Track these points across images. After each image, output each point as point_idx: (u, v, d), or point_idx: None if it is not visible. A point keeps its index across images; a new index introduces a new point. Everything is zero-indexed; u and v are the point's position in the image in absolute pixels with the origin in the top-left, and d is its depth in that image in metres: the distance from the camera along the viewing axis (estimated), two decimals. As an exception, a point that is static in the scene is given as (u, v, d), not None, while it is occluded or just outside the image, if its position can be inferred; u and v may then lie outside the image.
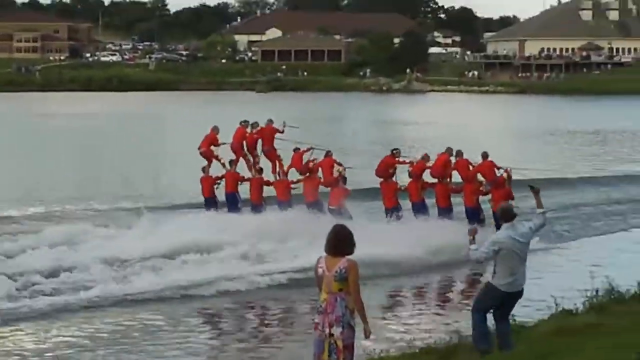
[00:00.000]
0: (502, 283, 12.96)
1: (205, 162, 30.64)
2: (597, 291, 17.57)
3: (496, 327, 13.30)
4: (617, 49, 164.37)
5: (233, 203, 29.59)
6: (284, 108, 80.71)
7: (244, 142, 30.92)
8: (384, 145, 42.32)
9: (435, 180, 29.10)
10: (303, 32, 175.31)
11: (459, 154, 29.04)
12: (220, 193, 30.16)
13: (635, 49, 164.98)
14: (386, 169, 29.26)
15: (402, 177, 29.70)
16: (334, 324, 10.78)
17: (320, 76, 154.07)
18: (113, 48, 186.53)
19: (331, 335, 10.78)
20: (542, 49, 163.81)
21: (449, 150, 29.26)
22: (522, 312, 16.96)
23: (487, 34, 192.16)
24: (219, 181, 30.22)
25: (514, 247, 12.98)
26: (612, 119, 78.36)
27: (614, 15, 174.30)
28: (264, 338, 19.52)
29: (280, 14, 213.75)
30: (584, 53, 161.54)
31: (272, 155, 30.83)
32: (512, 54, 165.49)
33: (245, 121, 31.33)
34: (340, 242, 10.94)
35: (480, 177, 28.78)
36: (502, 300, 13.11)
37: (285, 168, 30.14)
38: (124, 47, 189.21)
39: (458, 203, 29.08)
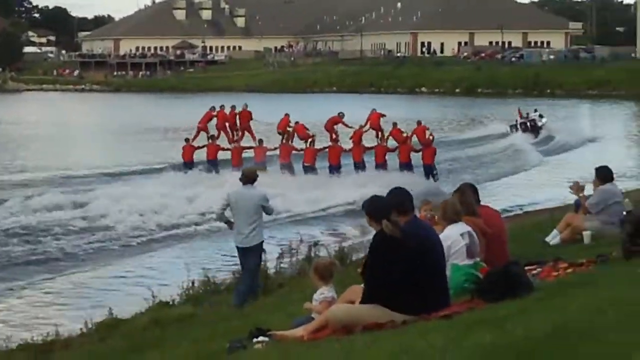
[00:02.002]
0: (235, 239, 14.94)
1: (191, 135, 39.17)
2: (193, 282, 17.88)
3: None
4: (211, 47, 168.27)
5: (214, 166, 37.09)
6: None
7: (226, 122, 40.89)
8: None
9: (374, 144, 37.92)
10: None
11: (394, 124, 38.60)
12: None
13: (228, 47, 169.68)
14: (331, 126, 39.35)
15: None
16: None
17: None
18: None
19: None
20: (138, 48, 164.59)
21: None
22: (120, 305, 16.93)
23: (82, 33, 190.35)
24: (199, 149, 37.85)
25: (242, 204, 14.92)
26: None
27: (207, 14, 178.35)
28: None
29: None
30: (179, 51, 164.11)
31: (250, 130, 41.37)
32: (107, 52, 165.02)
33: (222, 105, 41.61)
34: None
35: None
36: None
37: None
38: None
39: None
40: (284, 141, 38.36)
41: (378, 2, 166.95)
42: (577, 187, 15.71)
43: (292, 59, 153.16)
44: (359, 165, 36.83)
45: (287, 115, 40.27)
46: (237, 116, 41.36)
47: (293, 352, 8.82)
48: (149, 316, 15.72)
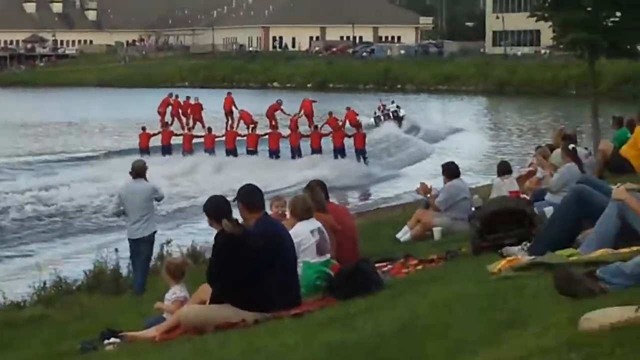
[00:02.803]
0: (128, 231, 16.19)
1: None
2: (45, 283, 17.53)
3: None
4: (62, 41, 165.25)
5: (167, 151, 41.54)
6: None
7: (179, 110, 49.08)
8: None
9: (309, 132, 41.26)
10: None
11: (330, 113, 42.34)
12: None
13: (79, 41, 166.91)
14: (272, 113, 44.66)
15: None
16: None
17: None
18: None
19: None
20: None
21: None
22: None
23: None
24: (154, 135, 41.84)
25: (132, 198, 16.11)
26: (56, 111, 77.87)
27: (57, 7, 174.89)
28: None
29: None
30: (29, 45, 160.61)
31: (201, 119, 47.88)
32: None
33: (177, 95, 50.42)
34: None
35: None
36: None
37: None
38: None
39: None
40: (229, 128, 44.40)
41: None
42: (425, 189, 15.91)
43: (144, 53, 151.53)
44: (296, 151, 40.04)
45: (229, 94, 50.24)
46: (189, 106, 48.23)
47: (144, 353, 8.76)
48: (-1, 318, 15.38)
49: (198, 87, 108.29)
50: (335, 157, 39.08)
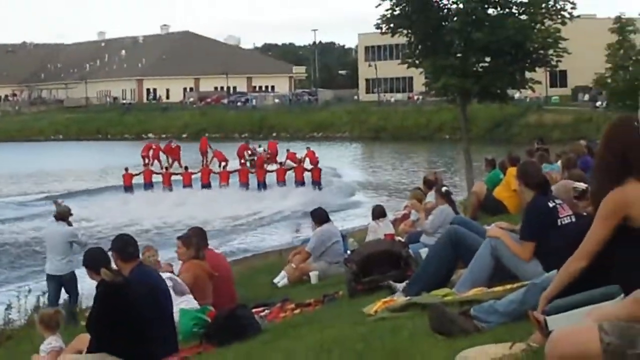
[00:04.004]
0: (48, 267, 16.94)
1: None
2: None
3: None
4: None
5: (150, 187, 46.05)
6: None
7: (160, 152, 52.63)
8: None
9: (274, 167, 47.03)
10: None
11: (287, 150, 48.83)
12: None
13: None
14: (242, 151, 50.20)
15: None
16: None
17: None
18: None
19: None
20: None
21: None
22: None
23: None
24: (137, 175, 46.59)
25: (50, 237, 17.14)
26: None
27: None
28: None
29: None
30: None
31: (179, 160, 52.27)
32: None
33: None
34: None
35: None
36: None
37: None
38: None
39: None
40: (204, 166, 48.55)
41: (102, 50, 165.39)
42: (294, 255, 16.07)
43: (17, 107, 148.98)
44: (262, 184, 45.54)
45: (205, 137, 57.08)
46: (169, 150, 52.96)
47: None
48: None
49: (73, 140, 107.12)
50: (297, 187, 45.05)
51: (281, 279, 15.50)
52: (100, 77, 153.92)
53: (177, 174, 47.38)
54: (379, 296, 9.25)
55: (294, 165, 46.37)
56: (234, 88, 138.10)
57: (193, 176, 46.18)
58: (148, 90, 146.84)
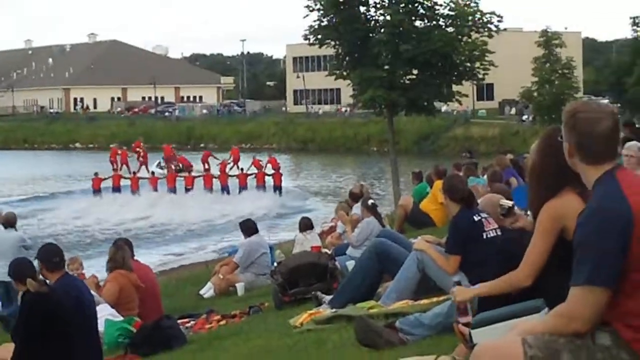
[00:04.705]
0: None
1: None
2: None
3: None
4: None
5: (118, 191, 48.10)
6: None
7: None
8: None
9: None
10: None
11: (253, 157, 51.40)
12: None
13: None
14: (206, 158, 52.06)
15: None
16: None
17: None
18: None
19: None
20: None
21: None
22: None
23: None
24: (105, 179, 48.54)
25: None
26: None
27: None
28: None
29: None
30: None
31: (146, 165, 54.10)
32: None
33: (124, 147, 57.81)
34: None
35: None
36: None
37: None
38: None
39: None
40: (169, 171, 50.67)
41: (29, 58, 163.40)
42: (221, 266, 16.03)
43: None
44: (225, 188, 47.82)
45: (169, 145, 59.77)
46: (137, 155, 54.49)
47: None
48: None
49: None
50: (258, 191, 47.40)
51: (207, 290, 15.45)
52: (27, 86, 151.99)
53: (144, 178, 49.48)
54: (305, 308, 9.25)
55: (256, 171, 48.91)
56: (162, 98, 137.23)
57: (159, 181, 48.49)
58: (75, 99, 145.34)
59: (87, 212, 43.96)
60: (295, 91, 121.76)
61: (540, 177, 5.09)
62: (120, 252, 11.72)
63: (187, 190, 47.86)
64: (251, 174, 48.78)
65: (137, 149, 54.74)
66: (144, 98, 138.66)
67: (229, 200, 46.03)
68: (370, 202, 14.50)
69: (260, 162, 49.63)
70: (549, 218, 5.03)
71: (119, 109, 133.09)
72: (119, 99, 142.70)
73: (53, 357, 8.71)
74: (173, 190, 47.69)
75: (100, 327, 9.59)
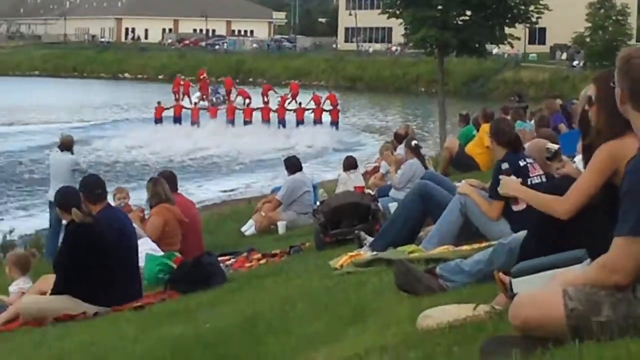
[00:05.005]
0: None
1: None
2: None
3: None
4: None
5: (179, 121, 49.33)
6: None
7: None
8: None
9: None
10: None
11: (313, 92, 51.81)
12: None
13: None
14: (266, 91, 50.70)
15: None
16: None
17: None
18: None
19: None
20: None
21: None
22: None
23: None
24: (167, 109, 49.61)
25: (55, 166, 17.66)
26: None
27: None
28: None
29: None
30: None
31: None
32: None
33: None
34: None
35: None
36: None
37: None
38: None
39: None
40: (229, 103, 50.90)
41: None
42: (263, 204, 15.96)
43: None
44: (282, 122, 48.89)
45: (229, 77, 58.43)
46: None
47: (-19, 345, 8.50)
48: None
49: (49, 76, 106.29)
50: (314, 125, 48.47)
51: (249, 228, 15.41)
52: (80, 15, 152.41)
53: (204, 108, 50.32)
54: (346, 249, 9.19)
55: (314, 106, 49.55)
56: (213, 31, 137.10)
57: (218, 112, 49.63)
58: (127, 29, 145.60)
59: (148, 141, 45.04)
60: (347, 29, 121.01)
61: (610, 114, 4.90)
62: (159, 185, 11.66)
63: (245, 123, 48.79)
64: (309, 109, 49.64)
65: (203, 76, 54.63)
66: (195, 30, 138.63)
67: (287, 134, 47.24)
68: (413, 142, 14.32)
69: (320, 98, 50.27)
70: (608, 156, 4.92)
71: (169, 40, 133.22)
72: (170, 30, 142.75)
73: (94, 288, 8.77)
74: (232, 122, 48.77)
75: (141, 261, 9.63)
